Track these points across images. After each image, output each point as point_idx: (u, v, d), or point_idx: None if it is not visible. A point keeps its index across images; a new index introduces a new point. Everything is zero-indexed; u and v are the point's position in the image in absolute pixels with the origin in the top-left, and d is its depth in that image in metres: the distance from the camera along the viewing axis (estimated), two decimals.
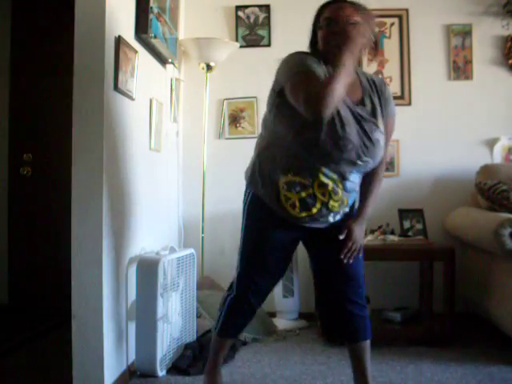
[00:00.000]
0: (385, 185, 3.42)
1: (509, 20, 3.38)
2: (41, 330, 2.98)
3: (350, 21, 1.77)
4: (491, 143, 3.42)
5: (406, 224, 3.25)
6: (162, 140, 2.92)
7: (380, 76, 1.90)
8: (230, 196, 3.44)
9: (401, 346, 2.76)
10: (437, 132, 3.44)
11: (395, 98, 3.39)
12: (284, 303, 3.21)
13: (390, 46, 3.46)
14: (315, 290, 2.22)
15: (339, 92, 1.63)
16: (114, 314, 2.20)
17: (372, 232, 3.10)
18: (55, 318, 3.11)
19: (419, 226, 3.25)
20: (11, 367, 2.49)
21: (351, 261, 1.92)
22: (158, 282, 2.32)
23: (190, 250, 2.73)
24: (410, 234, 3.17)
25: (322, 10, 1.87)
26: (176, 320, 2.51)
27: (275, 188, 1.84)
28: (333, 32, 1.77)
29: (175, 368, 2.46)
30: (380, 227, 3.15)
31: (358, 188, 1.92)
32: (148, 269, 2.33)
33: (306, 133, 1.75)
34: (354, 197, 1.91)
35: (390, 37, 3.47)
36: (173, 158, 3.27)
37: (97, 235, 2.06)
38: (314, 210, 1.82)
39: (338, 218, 1.90)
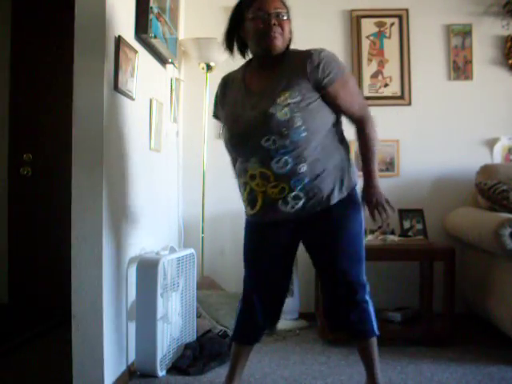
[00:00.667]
0: (385, 185, 3.41)
1: (509, 20, 3.38)
2: (41, 330, 2.98)
3: (280, 14, 1.87)
4: (491, 143, 3.42)
5: (406, 224, 3.25)
6: (162, 140, 2.92)
7: (313, 49, 1.89)
8: (229, 196, 3.41)
9: (401, 346, 2.76)
10: (437, 132, 3.44)
11: (395, 97, 3.47)
12: (284, 303, 3.20)
13: (390, 46, 3.46)
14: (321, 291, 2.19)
15: None
16: (113, 314, 2.20)
17: (372, 232, 3.10)
18: (55, 317, 3.11)
19: (419, 226, 3.25)
20: (11, 367, 2.49)
21: (384, 217, 1.95)
22: (158, 282, 2.32)
23: (190, 250, 2.73)
24: (409, 234, 3.17)
25: (250, 1, 1.92)
26: (176, 320, 2.51)
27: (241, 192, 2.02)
28: (269, 25, 1.85)
29: (175, 368, 2.46)
30: (380, 227, 3.14)
31: (307, 169, 1.83)
32: (148, 269, 2.33)
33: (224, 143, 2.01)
34: (302, 179, 1.83)
35: (389, 37, 3.47)
36: (173, 158, 3.27)
37: (97, 235, 2.06)
38: (259, 204, 1.91)
39: (295, 205, 1.85)
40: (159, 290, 2.33)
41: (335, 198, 1.90)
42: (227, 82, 2.05)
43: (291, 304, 3.24)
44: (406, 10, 3.46)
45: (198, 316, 2.87)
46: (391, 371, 2.44)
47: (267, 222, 1.95)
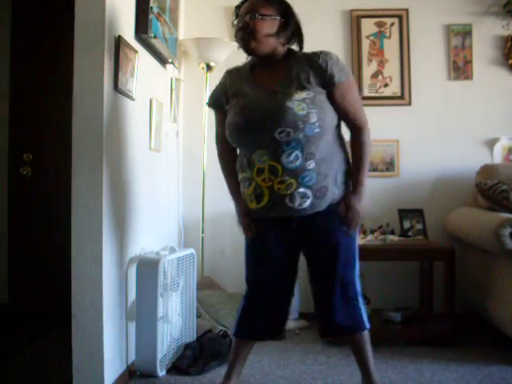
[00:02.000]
0: (385, 185, 3.46)
1: (509, 20, 3.38)
2: (41, 330, 2.98)
3: (255, 14, 1.87)
4: (491, 143, 3.42)
5: (406, 224, 3.25)
6: (162, 140, 2.92)
7: (320, 51, 1.92)
8: (229, 196, 3.44)
9: (401, 346, 2.76)
10: (437, 132, 3.44)
11: (395, 97, 3.47)
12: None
13: (390, 46, 3.47)
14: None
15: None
16: (114, 314, 2.20)
17: (372, 232, 3.10)
18: (55, 317, 3.11)
19: (419, 226, 3.25)
20: (11, 367, 2.49)
21: (351, 231, 1.94)
22: (158, 282, 2.32)
23: (190, 250, 2.72)
24: (410, 234, 3.17)
25: (237, 8, 1.98)
26: (176, 320, 2.51)
27: (240, 188, 2.03)
28: (238, 28, 1.91)
29: (175, 368, 2.46)
30: (380, 227, 3.15)
31: (315, 166, 1.86)
32: (148, 269, 2.33)
33: (227, 130, 1.97)
34: (310, 176, 1.86)
35: (389, 37, 3.47)
36: (173, 158, 3.27)
37: (97, 235, 2.06)
38: (266, 199, 1.90)
39: (303, 203, 1.87)
40: (159, 290, 2.33)
41: (336, 199, 1.94)
42: (233, 74, 2.04)
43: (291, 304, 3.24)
44: (406, 10, 3.47)
45: (198, 316, 2.87)
46: (391, 371, 2.44)
47: (271, 217, 1.94)
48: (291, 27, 1.93)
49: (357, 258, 2.01)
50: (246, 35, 1.88)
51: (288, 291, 2.08)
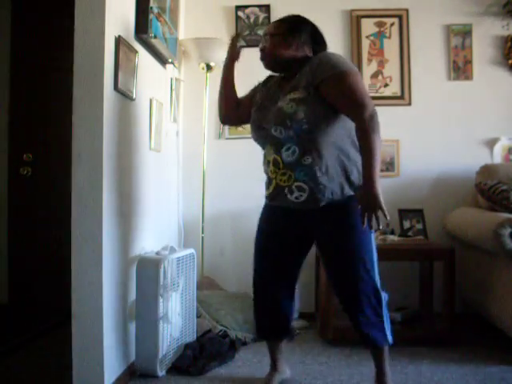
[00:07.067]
0: (385, 185, 3.44)
1: (509, 20, 3.38)
2: (41, 330, 2.98)
3: (265, 36, 2.09)
4: (491, 143, 3.42)
5: (406, 224, 3.25)
6: (162, 140, 2.92)
7: (321, 53, 2.03)
8: (230, 196, 3.45)
9: (401, 346, 2.75)
10: (437, 132, 3.44)
11: (395, 97, 3.47)
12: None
13: (390, 46, 3.47)
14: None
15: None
16: (114, 314, 2.20)
17: None
18: (55, 317, 3.11)
19: (419, 226, 3.25)
20: (11, 367, 2.49)
21: (373, 228, 1.84)
22: (158, 282, 2.32)
23: (190, 250, 2.72)
24: (409, 234, 3.17)
25: None
26: (176, 320, 2.51)
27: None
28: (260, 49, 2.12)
29: (175, 368, 2.46)
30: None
31: (311, 162, 1.93)
32: (148, 269, 2.33)
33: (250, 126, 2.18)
34: (305, 171, 1.95)
35: (389, 37, 3.47)
36: (173, 158, 3.27)
37: (97, 235, 2.06)
38: (271, 188, 2.07)
39: (300, 196, 1.97)
40: (159, 290, 2.33)
41: (339, 195, 1.96)
42: (266, 81, 2.25)
43: None
44: (406, 10, 3.47)
45: (198, 316, 2.87)
46: (391, 371, 2.43)
47: (277, 206, 2.08)
48: (302, 38, 2.05)
49: (374, 258, 2.03)
50: (264, 56, 2.09)
51: (293, 276, 2.21)
